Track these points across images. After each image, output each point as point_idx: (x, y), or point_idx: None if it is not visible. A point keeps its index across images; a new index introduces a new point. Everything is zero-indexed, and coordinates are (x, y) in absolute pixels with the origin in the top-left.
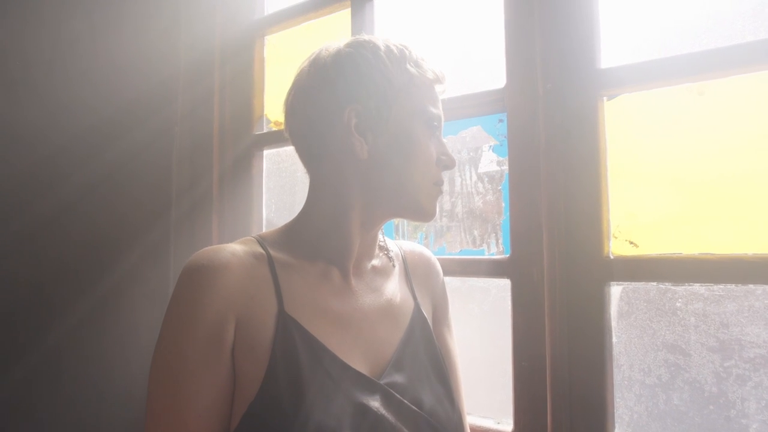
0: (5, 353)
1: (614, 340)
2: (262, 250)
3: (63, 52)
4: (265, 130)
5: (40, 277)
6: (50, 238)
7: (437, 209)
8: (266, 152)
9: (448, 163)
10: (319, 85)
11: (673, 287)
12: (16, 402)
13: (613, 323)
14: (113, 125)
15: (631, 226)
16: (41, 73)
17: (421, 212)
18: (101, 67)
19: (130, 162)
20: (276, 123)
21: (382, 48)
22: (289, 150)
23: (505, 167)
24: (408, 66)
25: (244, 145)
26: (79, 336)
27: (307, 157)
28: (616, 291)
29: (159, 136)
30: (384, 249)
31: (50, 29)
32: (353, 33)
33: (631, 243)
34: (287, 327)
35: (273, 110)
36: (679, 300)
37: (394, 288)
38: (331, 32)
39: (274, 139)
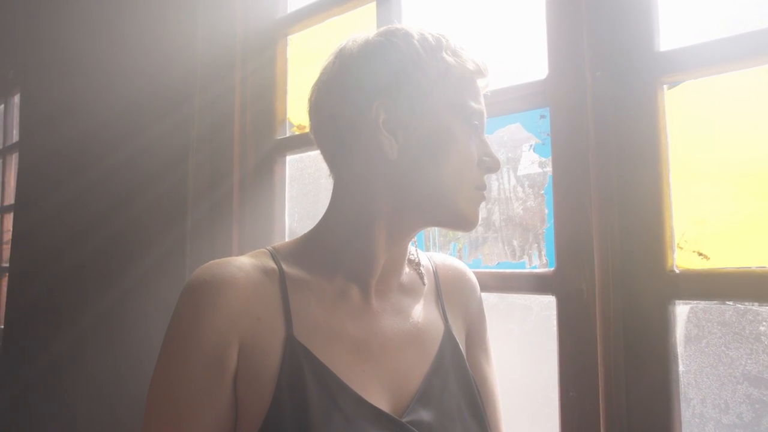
0: (11, 360)
1: (681, 369)
2: (273, 265)
3: (70, 44)
4: (287, 135)
5: (45, 281)
6: (55, 239)
7: (479, 217)
8: (289, 158)
9: (491, 165)
10: (345, 78)
11: (755, 308)
12: (17, 413)
13: (680, 349)
14: (125, 122)
15: (700, 234)
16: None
17: (461, 220)
18: (108, 62)
19: (144, 162)
20: (299, 127)
21: (416, 36)
22: (313, 155)
23: (549, 169)
24: (445, 55)
25: (266, 150)
26: (87, 347)
27: (332, 158)
28: (682, 311)
29: (174, 138)
30: (414, 263)
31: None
32: (378, 27)
33: (700, 254)
34: (295, 355)
35: (296, 113)
36: (764, 323)
37: (421, 309)
38: (355, 29)
39: (297, 143)
